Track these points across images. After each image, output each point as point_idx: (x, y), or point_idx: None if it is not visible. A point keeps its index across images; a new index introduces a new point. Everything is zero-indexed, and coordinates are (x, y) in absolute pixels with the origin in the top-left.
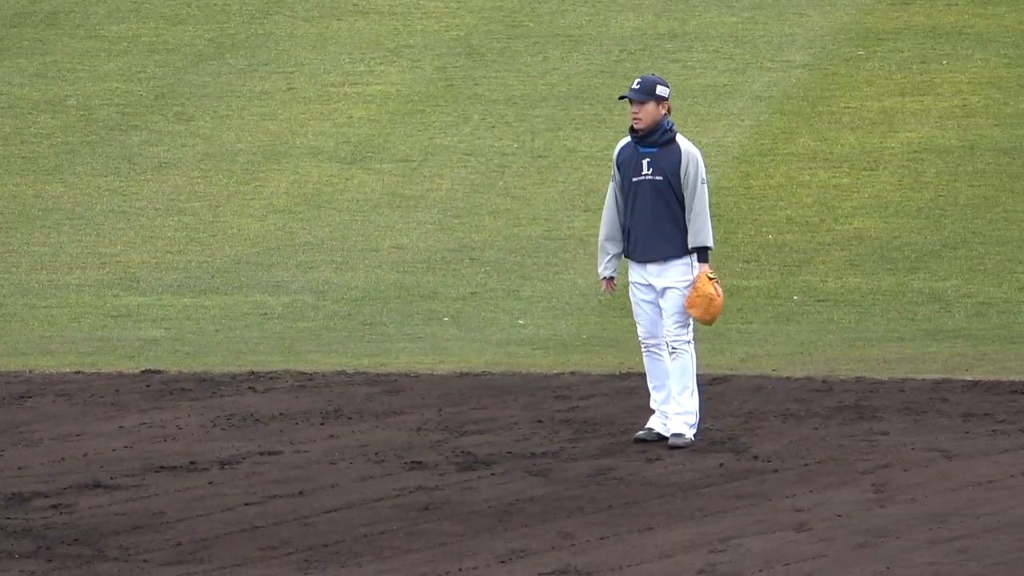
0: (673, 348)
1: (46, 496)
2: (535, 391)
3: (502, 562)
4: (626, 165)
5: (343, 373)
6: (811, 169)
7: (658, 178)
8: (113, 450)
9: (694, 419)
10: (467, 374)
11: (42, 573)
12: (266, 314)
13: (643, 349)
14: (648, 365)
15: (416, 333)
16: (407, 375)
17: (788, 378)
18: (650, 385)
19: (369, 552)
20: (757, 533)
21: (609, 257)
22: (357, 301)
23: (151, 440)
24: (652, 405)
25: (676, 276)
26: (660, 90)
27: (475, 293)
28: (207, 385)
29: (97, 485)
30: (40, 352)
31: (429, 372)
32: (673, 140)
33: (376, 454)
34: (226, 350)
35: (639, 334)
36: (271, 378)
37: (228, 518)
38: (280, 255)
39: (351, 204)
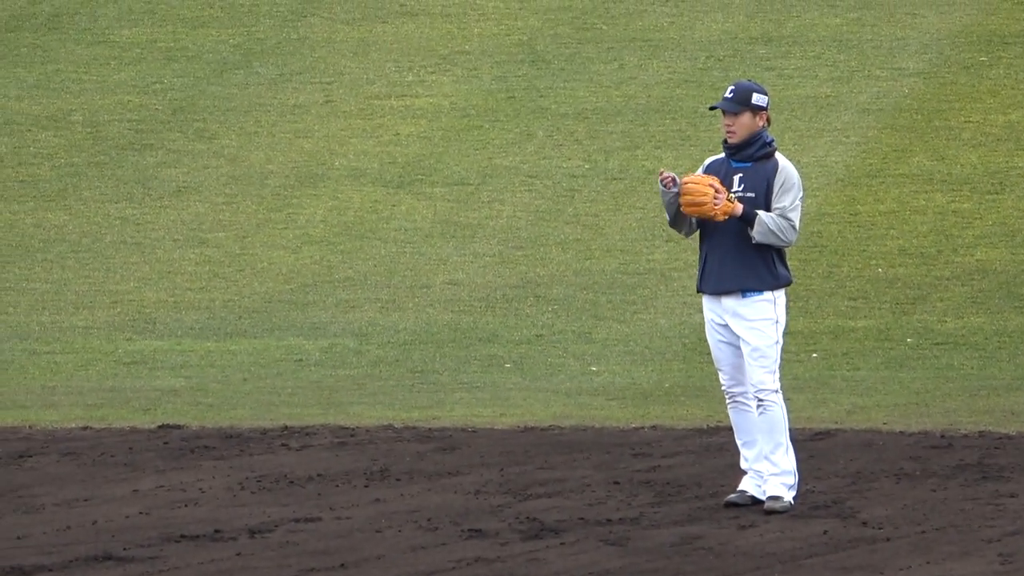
0: (759, 401)
1: (49, 570)
2: (610, 448)
3: None
4: (715, 175)
5: (390, 428)
6: (927, 192)
7: (749, 195)
8: (126, 517)
9: (792, 479)
10: (532, 428)
11: None
12: (301, 360)
13: (728, 399)
14: (735, 418)
15: (474, 382)
16: (463, 430)
17: (902, 433)
18: (739, 441)
19: None
20: None
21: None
22: (406, 345)
23: (170, 505)
24: (743, 465)
25: (756, 314)
26: (757, 98)
27: (541, 336)
28: (234, 442)
29: (108, 557)
30: (42, 405)
31: (489, 427)
32: (771, 156)
33: (428, 520)
34: (256, 402)
35: (721, 381)
36: (307, 434)
37: None
38: (317, 292)
39: (398, 234)
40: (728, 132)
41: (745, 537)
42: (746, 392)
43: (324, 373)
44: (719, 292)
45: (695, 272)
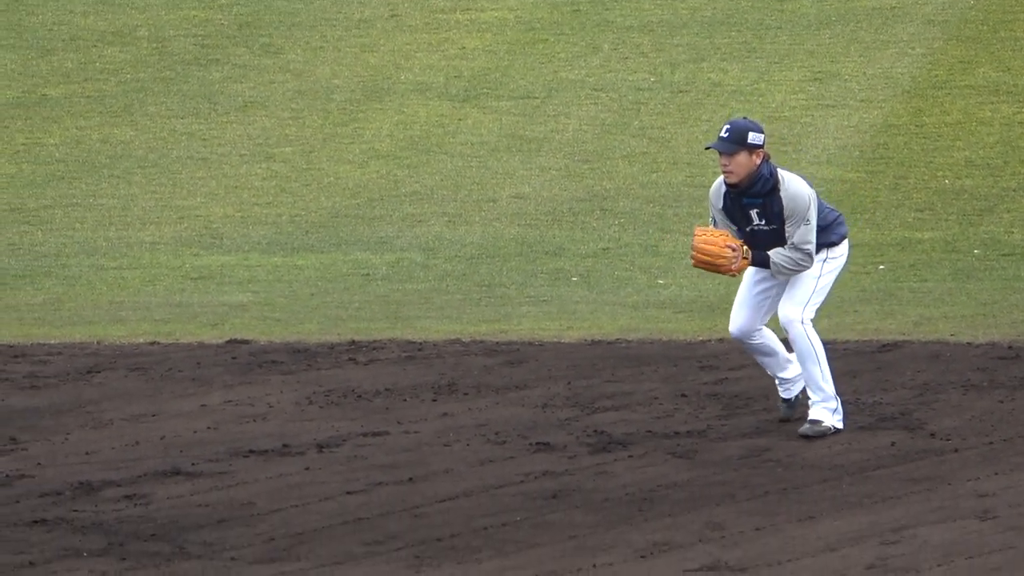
0: (788, 333)
1: (118, 485)
2: (677, 361)
3: (642, 557)
4: (733, 212)
5: (457, 342)
6: (993, 104)
7: (773, 226)
8: (194, 432)
9: (835, 403)
10: (599, 342)
11: (115, 573)
12: (368, 275)
13: (743, 345)
14: (754, 356)
15: (540, 295)
16: (530, 344)
17: (969, 344)
18: (768, 371)
19: (489, 546)
20: (935, 522)
21: None
22: (472, 259)
23: (238, 420)
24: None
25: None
26: (753, 137)
27: (607, 249)
28: (301, 357)
29: (176, 472)
30: (110, 320)
31: (556, 340)
32: (775, 189)
33: (496, 434)
34: (323, 316)
35: (732, 331)
36: (375, 348)
37: (327, 509)
38: (384, 207)
39: (464, 148)
40: (725, 172)
41: (812, 449)
42: (752, 334)
43: (391, 287)
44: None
45: None
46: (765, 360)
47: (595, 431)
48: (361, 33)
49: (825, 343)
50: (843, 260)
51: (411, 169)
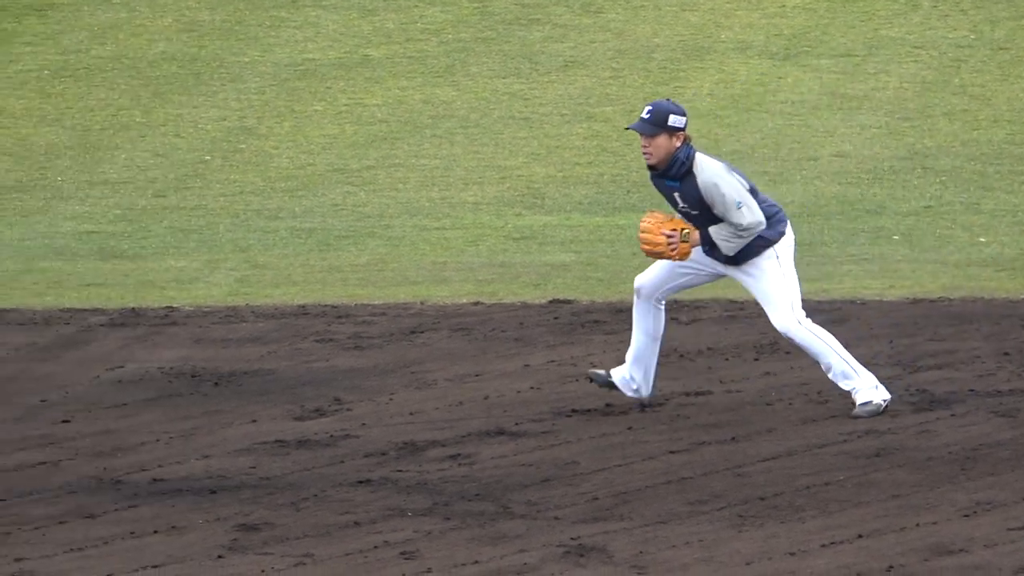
0: (788, 338)
1: (443, 445)
2: (1000, 319)
3: (965, 516)
4: (662, 192)
5: None
6: None
7: (696, 211)
8: (517, 392)
9: (872, 380)
10: (921, 300)
11: (439, 532)
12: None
13: (636, 298)
14: (634, 320)
15: (862, 254)
16: (852, 302)
17: None
18: (634, 337)
19: (812, 505)
20: None
21: None
22: (793, 217)
23: (561, 380)
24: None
25: (760, 266)
26: (674, 120)
27: (929, 207)
28: (623, 317)
29: (500, 432)
30: (433, 280)
31: (877, 299)
32: (690, 173)
33: (818, 393)
34: None
35: (636, 281)
36: (697, 308)
37: (650, 468)
38: None
39: (784, 106)
40: (645, 153)
41: None
42: (650, 296)
43: None
44: (720, 260)
45: None
46: (637, 334)
47: (918, 390)
48: None
49: None
50: (791, 250)
51: (731, 128)
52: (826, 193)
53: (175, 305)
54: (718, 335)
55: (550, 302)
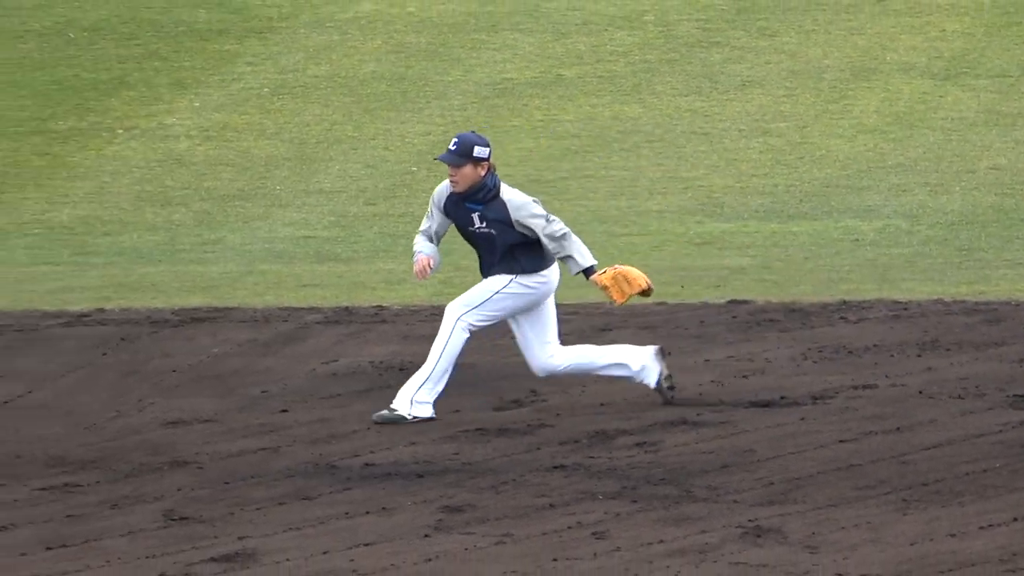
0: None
1: (630, 434)
2: None
3: None
4: (455, 214)
5: (939, 302)
6: None
7: (492, 230)
8: (699, 385)
9: (422, 401)
10: None
11: (628, 514)
12: (857, 240)
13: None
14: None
15: (1017, 259)
16: (1008, 304)
17: None
18: (621, 376)
19: (971, 491)
20: None
21: (434, 252)
22: (953, 225)
23: (738, 374)
24: None
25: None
26: (478, 151)
27: None
28: (796, 316)
29: (683, 422)
30: None
31: None
32: (497, 196)
33: (976, 387)
34: (816, 278)
35: (535, 374)
36: (864, 307)
37: (821, 456)
38: (871, 177)
39: (945, 123)
40: (452, 181)
41: None
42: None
43: (878, 252)
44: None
45: None
46: (602, 373)
47: None
48: (850, 17)
49: None
50: (533, 294)
51: (896, 143)
52: (983, 203)
53: (384, 304)
54: (883, 333)
55: (728, 302)
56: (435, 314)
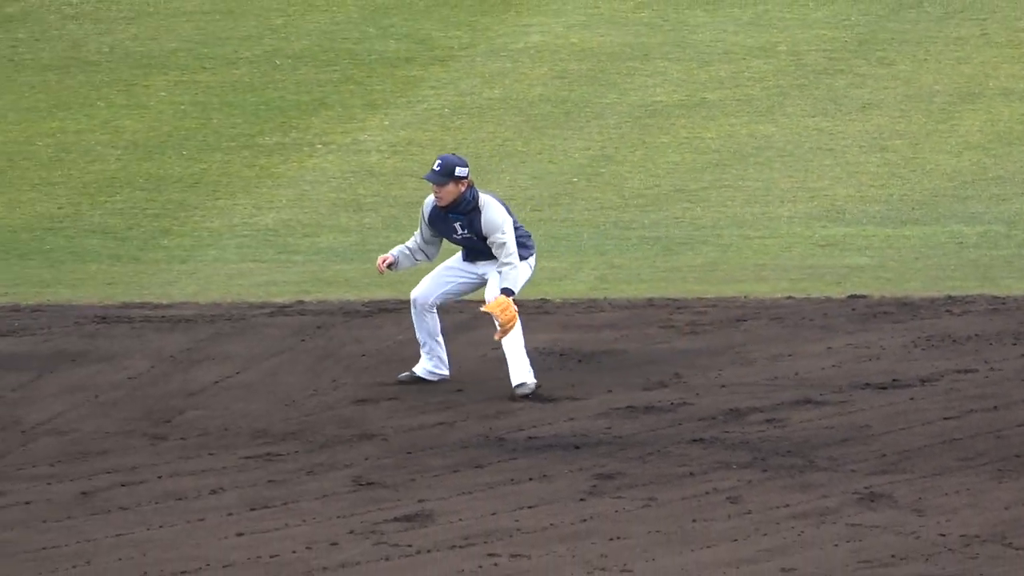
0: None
1: (761, 411)
2: None
3: None
4: (440, 225)
5: None
6: None
7: (472, 236)
8: (822, 369)
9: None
10: None
11: (758, 481)
12: (962, 243)
13: (413, 308)
14: (417, 322)
15: None
16: None
17: None
18: (419, 338)
19: None
20: None
21: (399, 255)
22: None
23: (856, 360)
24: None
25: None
26: (459, 171)
27: None
28: (908, 309)
29: (807, 401)
30: (754, 279)
31: None
32: (476, 208)
33: None
34: (925, 276)
35: (412, 294)
36: (967, 302)
37: (928, 431)
38: (974, 188)
39: None
40: (437, 198)
41: None
42: (420, 305)
43: (980, 253)
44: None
45: None
46: (421, 335)
47: None
48: (957, 48)
49: None
50: (529, 272)
51: (996, 158)
52: None
53: (547, 298)
54: (984, 324)
55: (848, 297)
56: (591, 307)
